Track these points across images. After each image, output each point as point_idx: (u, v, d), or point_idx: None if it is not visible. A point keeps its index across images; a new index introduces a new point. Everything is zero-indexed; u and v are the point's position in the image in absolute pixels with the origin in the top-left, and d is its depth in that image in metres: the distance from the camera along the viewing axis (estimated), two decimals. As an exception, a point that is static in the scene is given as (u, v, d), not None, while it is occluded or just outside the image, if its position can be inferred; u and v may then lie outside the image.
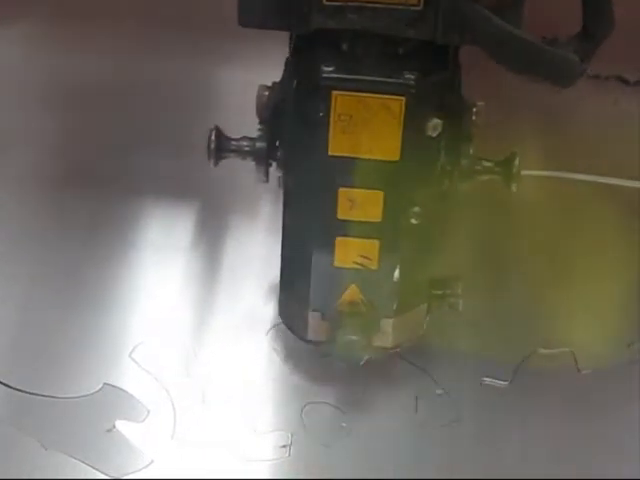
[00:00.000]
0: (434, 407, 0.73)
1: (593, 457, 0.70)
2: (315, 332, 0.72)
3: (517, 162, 0.70)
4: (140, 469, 0.68)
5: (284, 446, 0.70)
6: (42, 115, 0.95)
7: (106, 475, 0.67)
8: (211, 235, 0.84)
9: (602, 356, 0.75)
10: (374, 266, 0.69)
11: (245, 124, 0.88)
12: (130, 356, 0.74)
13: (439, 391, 0.73)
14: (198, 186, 0.88)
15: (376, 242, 0.68)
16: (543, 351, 0.75)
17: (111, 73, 0.98)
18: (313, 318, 0.71)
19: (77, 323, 0.76)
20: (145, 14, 1.02)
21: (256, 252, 0.82)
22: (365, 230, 0.67)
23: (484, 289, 0.79)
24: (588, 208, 0.85)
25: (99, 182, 0.88)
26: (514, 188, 0.70)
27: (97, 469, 0.67)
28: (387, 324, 0.71)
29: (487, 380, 0.74)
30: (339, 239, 0.68)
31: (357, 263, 0.69)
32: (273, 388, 0.74)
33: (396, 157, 0.65)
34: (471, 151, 0.69)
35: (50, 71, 0.98)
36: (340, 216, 0.67)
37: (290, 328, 0.74)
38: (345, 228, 0.67)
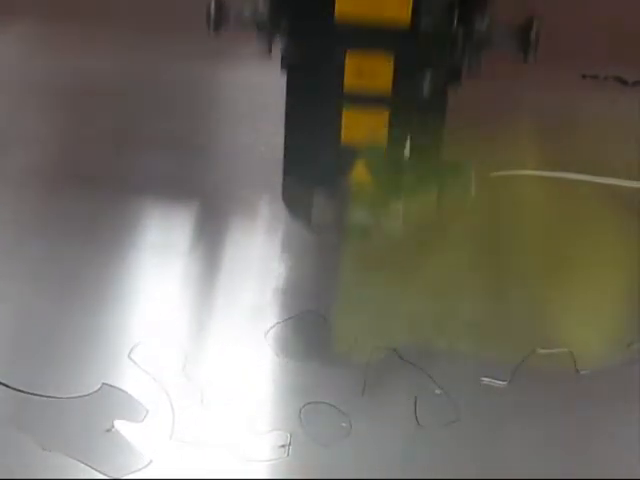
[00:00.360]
0: (433, 407, 0.73)
1: (592, 457, 0.70)
2: (320, 215, 0.68)
3: (535, 28, 0.65)
4: (139, 469, 0.68)
5: (283, 446, 0.70)
6: (42, 115, 0.95)
7: (105, 475, 0.67)
8: (210, 236, 0.84)
9: (601, 356, 0.75)
10: (383, 141, 0.64)
11: (246, 125, 0.88)
12: (129, 356, 0.74)
13: (438, 391, 0.73)
14: (198, 187, 0.88)
15: (385, 115, 0.64)
16: (542, 351, 0.75)
17: (111, 73, 0.98)
18: (318, 199, 0.67)
19: (76, 323, 0.76)
20: (145, 14, 1.02)
21: (255, 253, 0.82)
22: (374, 102, 0.63)
23: (484, 289, 0.79)
24: (587, 208, 0.85)
25: (99, 182, 0.88)
26: (532, 59, 0.65)
27: (96, 469, 0.68)
28: (397, 205, 0.68)
29: (486, 380, 0.74)
30: (346, 112, 0.64)
31: (365, 138, 0.64)
32: (272, 388, 0.74)
33: (407, 19, 0.60)
34: (487, 17, 0.64)
35: (50, 71, 0.99)
36: (347, 86, 0.63)
37: (294, 214, 0.70)
38: (353, 100, 0.63)
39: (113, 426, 0.70)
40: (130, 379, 0.73)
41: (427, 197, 0.68)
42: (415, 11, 0.60)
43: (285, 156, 0.68)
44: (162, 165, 0.90)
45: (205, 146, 0.91)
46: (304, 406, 0.72)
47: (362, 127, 0.64)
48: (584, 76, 0.92)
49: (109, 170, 0.89)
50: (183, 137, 0.89)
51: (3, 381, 0.72)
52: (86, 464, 0.68)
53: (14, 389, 0.72)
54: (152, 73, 0.98)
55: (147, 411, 0.71)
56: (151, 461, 0.68)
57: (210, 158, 0.89)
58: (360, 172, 0.65)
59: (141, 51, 0.99)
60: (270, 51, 0.66)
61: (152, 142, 0.92)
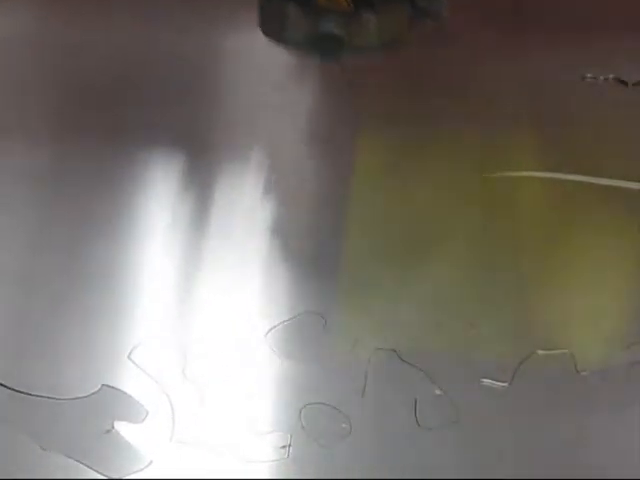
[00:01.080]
0: (433, 407, 0.73)
1: (593, 458, 0.70)
2: (295, 28, 0.69)
3: None
4: (139, 470, 0.68)
5: (283, 447, 0.70)
6: (41, 105, 0.95)
7: (105, 476, 0.67)
8: (211, 237, 0.84)
9: (601, 357, 0.75)
10: None
11: (246, 123, 0.88)
12: (129, 357, 0.74)
13: (438, 391, 0.73)
14: (198, 188, 0.88)
15: None
16: (542, 352, 0.75)
17: (111, 62, 0.97)
18: (293, 12, 0.68)
19: (75, 324, 0.76)
20: (145, 10, 1.02)
21: (255, 255, 0.82)
22: None
23: (483, 289, 0.79)
24: (587, 209, 0.85)
25: (96, 177, 0.88)
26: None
27: (96, 470, 0.68)
28: (369, 19, 0.68)
29: (486, 381, 0.74)
30: None
31: None
32: (272, 389, 0.74)
33: None
34: None
35: (50, 68, 0.98)
36: None
37: (269, 34, 0.71)
38: None
39: (113, 427, 0.70)
40: (130, 380, 0.73)
41: (400, 10, 0.69)
42: None
43: None
44: (162, 158, 0.89)
45: (205, 146, 0.91)
46: (304, 407, 0.72)
47: None
48: (584, 76, 0.92)
49: (107, 162, 0.89)
50: (183, 132, 0.89)
51: (2, 382, 0.72)
52: (86, 465, 0.68)
53: (13, 390, 0.72)
54: (152, 67, 0.97)
55: (147, 412, 0.71)
56: (151, 462, 0.68)
57: (211, 158, 0.89)
58: None
59: (143, 45, 0.99)
60: None
61: (151, 138, 0.91)
